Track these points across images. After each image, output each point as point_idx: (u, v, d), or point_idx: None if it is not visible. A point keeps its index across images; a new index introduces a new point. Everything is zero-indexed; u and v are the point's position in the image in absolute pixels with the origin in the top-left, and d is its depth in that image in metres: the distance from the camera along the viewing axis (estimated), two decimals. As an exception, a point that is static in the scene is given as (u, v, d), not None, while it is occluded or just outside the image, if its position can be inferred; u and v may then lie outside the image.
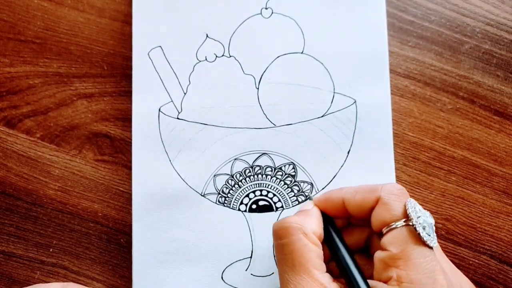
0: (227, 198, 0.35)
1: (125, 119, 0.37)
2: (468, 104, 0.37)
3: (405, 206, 0.27)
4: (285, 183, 0.35)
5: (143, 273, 0.34)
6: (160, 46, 0.36)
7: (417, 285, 0.25)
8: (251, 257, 0.35)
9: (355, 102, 0.36)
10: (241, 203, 0.35)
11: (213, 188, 0.35)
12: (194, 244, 0.34)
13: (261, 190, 0.35)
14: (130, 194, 0.35)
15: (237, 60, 0.36)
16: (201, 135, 0.35)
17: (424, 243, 0.26)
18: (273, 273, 0.35)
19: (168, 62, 0.36)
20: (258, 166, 0.35)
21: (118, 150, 0.37)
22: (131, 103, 0.36)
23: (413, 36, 0.38)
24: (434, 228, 0.27)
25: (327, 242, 0.29)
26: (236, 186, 0.35)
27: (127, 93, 0.37)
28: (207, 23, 0.37)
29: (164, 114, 0.36)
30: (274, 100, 0.36)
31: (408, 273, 0.25)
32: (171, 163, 0.35)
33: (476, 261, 0.36)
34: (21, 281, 0.35)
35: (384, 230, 0.27)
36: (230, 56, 0.36)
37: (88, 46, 0.37)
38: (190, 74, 0.36)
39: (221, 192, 0.35)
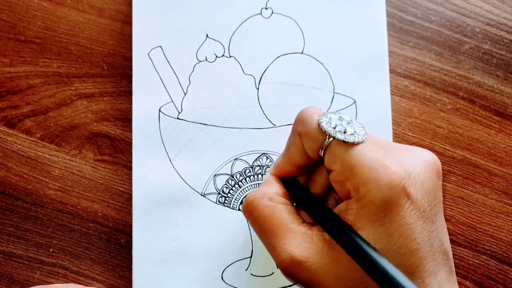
0: (227, 198, 0.35)
1: (125, 119, 0.37)
2: (468, 104, 0.37)
3: (319, 125, 0.27)
4: (285, 183, 0.35)
5: (143, 273, 0.34)
6: (160, 46, 0.36)
7: (370, 182, 0.25)
8: (251, 257, 0.35)
9: (355, 102, 0.36)
10: (241, 203, 0.35)
11: (213, 188, 0.35)
12: (194, 244, 0.34)
13: (261, 190, 0.35)
14: (130, 194, 0.35)
15: (237, 60, 0.36)
16: (201, 135, 0.35)
17: (353, 144, 0.26)
18: (273, 273, 0.35)
19: (168, 62, 0.36)
20: (258, 166, 0.35)
21: (118, 150, 0.37)
22: (131, 103, 0.36)
23: (413, 36, 0.38)
24: (355, 121, 0.27)
25: (296, 202, 0.29)
26: (236, 186, 0.35)
27: (127, 93, 0.37)
28: (207, 23, 0.37)
29: (164, 114, 0.36)
30: (274, 100, 0.36)
31: (358, 176, 0.25)
32: (171, 163, 0.35)
33: (476, 261, 0.36)
34: (21, 281, 0.35)
35: (321, 154, 0.27)
36: (230, 56, 0.36)
37: (88, 46, 0.37)
38: (190, 74, 0.36)
39: (221, 192, 0.35)
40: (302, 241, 0.26)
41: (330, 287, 0.26)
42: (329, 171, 0.27)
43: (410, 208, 0.25)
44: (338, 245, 0.26)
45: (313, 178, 0.30)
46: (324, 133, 0.26)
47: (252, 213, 0.28)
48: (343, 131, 0.26)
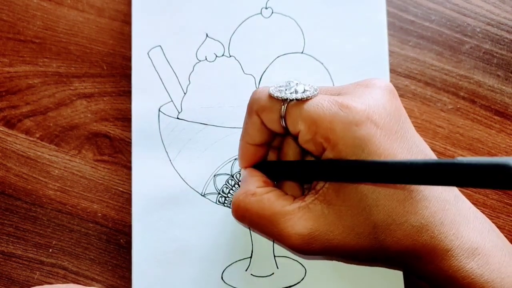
0: (227, 198, 0.35)
1: (125, 119, 0.37)
2: (469, 104, 0.37)
3: (270, 95, 0.27)
4: (285, 183, 0.35)
5: (142, 274, 0.34)
6: (159, 46, 0.36)
7: (336, 127, 0.25)
8: (251, 257, 0.35)
9: (355, 102, 0.36)
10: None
11: (213, 188, 0.35)
12: (194, 244, 0.34)
13: (261, 190, 0.35)
14: (130, 194, 0.35)
15: (237, 60, 0.36)
16: (201, 135, 0.35)
17: (308, 99, 0.26)
18: (273, 273, 0.34)
19: (168, 62, 0.36)
20: (258, 166, 0.35)
21: (117, 150, 0.36)
22: (130, 103, 0.36)
23: (414, 36, 0.38)
24: (302, 81, 0.27)
25: (280, 177, 0.29)
26: (236, 186, 0.35)
27: (127, 93, 0.37)
28: (207, 22, 0.37)
29: (164, 114, 0.36)
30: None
31: (323, 126, 0.25)
32: (171, 163, 0.35)
33: (477, 261, 0.36)
34: (21, 282, 0.35)
35: (282, 124, 0.27)
36: (230, 56, 0.36)
37: (87, 46, 0.37)
38: (190, 74, 0.36)
39: (221, 192, 0.35)
40: (301, 216, 0.26)
41: (345, 242, 0.26)
42: (295, 137, 0.27)
43: (382, 134, 0.25)
44: (334, 200, 0.26)
45: (283, 153, 0.30)
46: (278, 100, 0.27)
47: (245, 216, 0.28)
48: (294, 92, 0.27)
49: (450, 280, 0.26)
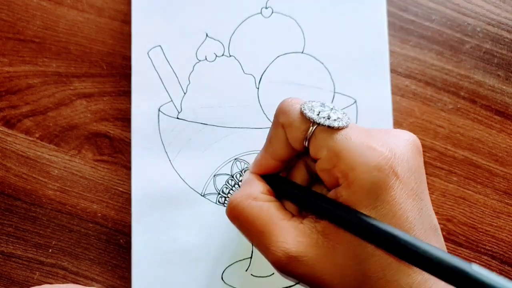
0: (227, 199, 0.35)
1: (125, 119, 0.37)
2: (469, 104, 0.37)
3: (302, 113, 0.26)
4: (285, 183, 0.35)
5: (142, 274, 0.34)
6: (159, 46, 0.36)
7: (358, 166, 0.24)
8: (251, 257, 0.34)
9: (355, 102, 0.36)
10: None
11: (213, 188, 0.35)
12: (194, 244, 0.34)
13: (261, 190, 0.35)
14: (130, 195, 0.35)
15: (237, 60, 0.36)
16: (201, 135, 0.35)
17: (338, 129, 0.25)
18: (273, 273, 0.34)
19: (168, 62, 0.36)
20: (258, 166, 0.35)
21: (117, 150, 0.36)
22: (130, 103, 0.36)
23: (414, 35, 0.38)
24: (337, 107, 0.27)
25: (284, 196, 0.29)
26: (236, 186, 0.35)
27: (127, 93, 0.37)
28: (207, 22, 0.37)
29: (164, 113, 0.36)
30: (275, 100, 0.35)
31: (345, 162, 0.25)
32: (171, 163, 0.35)
33: (477, 261, 0.35)
34: (20, 282, 0.35)
35: (306, 145, 0.26)
36: (230, 56, 0.36)
37: (87, 45, 0.37)
38: (190, 73, 0.36)
39: (221, 192, 0.35)
40: (295, 236, 0.25)
41: (329, 278, 0.25)
42: (314, 160, 0.26)
43: (399, 187, 0.25)
44: (332, 235, 0.25)
45: (291, 175, 0.29)
46: (307, 120, 0.26)
47: (239, 217, 0.27)
48: (327, 117, 0.26)
49: None
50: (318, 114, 0.26)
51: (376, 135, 0.26)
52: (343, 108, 0.36)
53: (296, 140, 0.27)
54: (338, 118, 0.26)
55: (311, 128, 0.26)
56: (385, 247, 0.23)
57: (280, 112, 0.27)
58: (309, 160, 0.29)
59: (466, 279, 0.20)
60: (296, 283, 0.28)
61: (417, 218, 0.25)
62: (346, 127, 0.26)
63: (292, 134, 0.27)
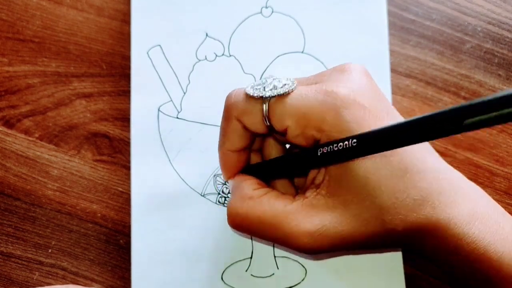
0: (227, 198, 0.35)
1: (124, 119, 0.37)
2: (470, 104, 0.37)
3: (249, 96, 0.26)
4: (285, 183, 0.35)
5: (142, 274, 0.34)
6: (159, 45, 0.36)
7: (327, 115, 0.24)
8: (251, 257, 0.34)
9: (356, 101, 0.36)
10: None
11: (213, 188, 0.35)
12: (194, 244, 0.34)
13: (261, 190, 0.35)
14: (129, 195, 0.35)
15: (237, 60, 0.36)
16: (201, 135, 0.35)
17: (289, 93, 0.25)
18: (273, 273, 0.34)
19: (168, 61, 0.36)
20: (258, 166, 0.35)
21: (117, 150, 0.36)
22: (130, 103, 0.36)
23: (414, 35, 0.37)
24: (277, 75, 0.26)
25: (271, 177, 0.28)
26: (236, 186, 0.35)
27: (126, 93, 0.37)
28: (206, 22, 0.36)
29: (164, 113, 0.35)
30: (274, 100, 0.36)
31: (314, 117, 0.25)
32: (170, 163, 0.35)
33: (478, 261, 0.35)
34: (20, 282, 0.35)
35: (267, 123, 0.26)
36: (230, 56, 0.36)
37: (87, 45, 0.37)
38: (190, 73, 0.36)
39: (221, 192, 0.35)
40: (305, 214, 0.25)
41: (354, 230, 0.25)
42: (282, 134, 0.26)
43: (370, 115, 0.25)
44: (337, 190, 0.25)
45: (266, 155, 0.29)
46: (258, 100, 0.26)
47: (243, 224, 0.27)
48: (273, 88, 0.26)
49: (455, 250, 0.25)
50: (264, 89, 0.26)
51: (325, 80, 0.26)
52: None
53: (257, 124, 0.26)
54: (284, 84, 0.26)
55: (264, 105, 0.26)
56: (376, 147, 0.23)
57: (229, 106, 0.27)
58: (278, 135, 0.28)
59: (462, 108, 0.19)
60: (325, 258, 0.27)
61: None
62: (296, 87, 0.26)
63: (250, 120, 0.26)
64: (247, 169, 0.29)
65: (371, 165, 0.25)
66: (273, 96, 0.25)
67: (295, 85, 0.26)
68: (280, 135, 0.28)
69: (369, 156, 0.24)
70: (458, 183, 0.26)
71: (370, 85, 0.26)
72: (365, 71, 0.27)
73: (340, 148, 0.24)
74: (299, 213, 0.25)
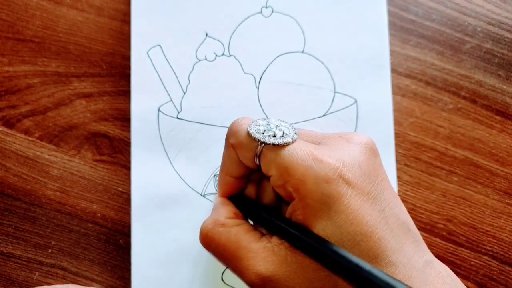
0: (227, 199, 0.35)
1: (124, 119, 0.37)
2: (470, 104, 0.37)
3: (248, 133, 0.27)
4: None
5: (142, 274, 0.34)
6: (159, 45, 0.36)
7: (306, 179, 0.25)
8: (251, 257, 0.34)
9: (356, 101, 0.36)
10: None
11: (213, 188, 0.35)
12: (193, 244, 0.34)
13: (261, 190, 0.35)
14: (129, 195, 0.35)
15: (237, 59, 0.36)
16: (201, 135, 0.35)
17: (284, 146, 0.26)
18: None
19: (168, 61, 0.36)
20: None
21: (117, 150, 0.36)
22: (130, 103, 0.36)
23: (414, 35, 0.37)
24: (284, 123, 0.27)
25: (249, 217, 0.29)
26: (236, 186, 0.35)
27: (126, 93, 0.37)
28: (206, 22, 0.36)
29: (164, 113, 0.35)
30: (274, 100, 0.36)
31: (295, 177, 0.25)
32: (170, 163, 0.35)
33: (478, 262, 0.35)
34: (20, 282, 0.35)
35: (257, 163, 0.27)
36: (230, 55, 0.36)
37: (87, 45, 0.37)
38: (190, 73, 0.36)
39: (221, 193, 0.35)
40: (264, 256, 0.26)
41: None
42: (268, 178, 0.27)
43: (353, 194, 0.25)
44: (299, 251, 0.25)
45: (262, 187, 0.30)
46: (255, 140, 0.26)
47: (211, 245, 0.28)
48: (272, 135, 0.26)
49: None
50: (263, 133, 0.26)
51: (325, 145, 0.27)
52: (343, 108, 0.35)
53: (248, 159, 0.27)
54: (284, 134, 0.26)
55: (258, 147, 0.26)
56: (334, 270, 0.24)
57: (230, 133, 0.28)
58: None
59: None
60: None
61: (378, 220, 0.25)
62: (293, 142, 0.26)
63: (243, 154, 0.27)
64: (236, 196, 0.30)
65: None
66: (268, 143, 0.26)
67: (294, 139, 0.26)
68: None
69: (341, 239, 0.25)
70: (433, 283, 0.25)
71: (367, 162, 0.26)
72: (371, 146, 0.27)
73: (298, 235, 0.25)
74: (259, 254, 0.26)
